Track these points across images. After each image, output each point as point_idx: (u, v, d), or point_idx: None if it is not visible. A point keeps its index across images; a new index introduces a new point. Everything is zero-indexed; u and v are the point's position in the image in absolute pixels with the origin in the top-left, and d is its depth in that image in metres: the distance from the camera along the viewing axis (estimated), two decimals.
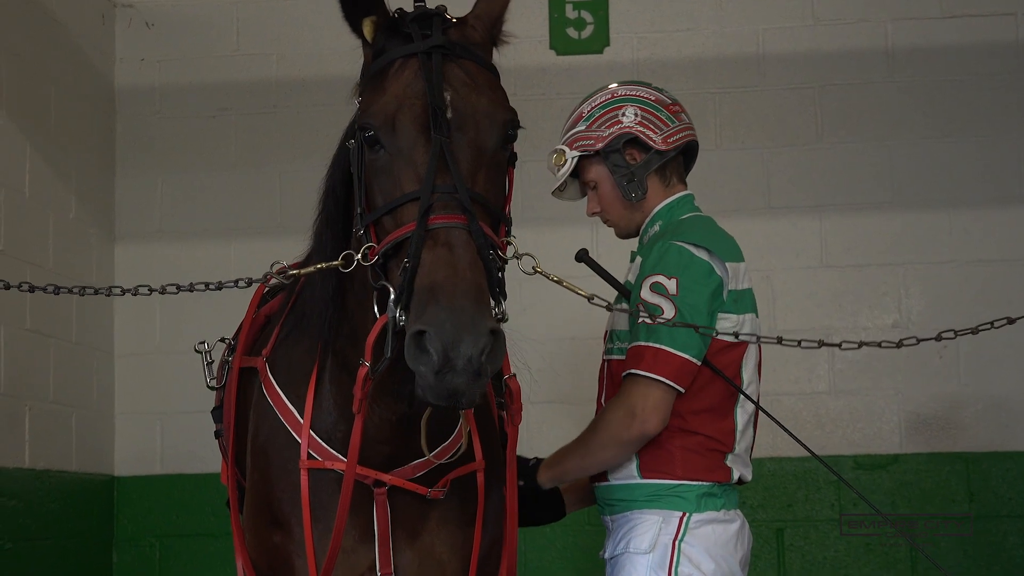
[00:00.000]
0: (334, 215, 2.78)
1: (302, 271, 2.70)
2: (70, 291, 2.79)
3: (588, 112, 3.43)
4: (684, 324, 3.05)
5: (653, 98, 3.41)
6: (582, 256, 3.44)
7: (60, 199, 5.71)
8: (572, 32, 6.19)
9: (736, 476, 3.26)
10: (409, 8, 2.65)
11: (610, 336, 3.40)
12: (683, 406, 3.20)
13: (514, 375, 2.68)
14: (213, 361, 3.46)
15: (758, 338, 3.07)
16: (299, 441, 2.87)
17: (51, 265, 5.54)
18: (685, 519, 3.18)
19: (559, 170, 3.44)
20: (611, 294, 3.40)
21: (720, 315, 3.22)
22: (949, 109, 6.00)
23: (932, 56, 6.03)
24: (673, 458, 3.20)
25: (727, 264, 3.24)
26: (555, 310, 5.51)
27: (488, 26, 2.68)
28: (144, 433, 6.13)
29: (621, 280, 3.41)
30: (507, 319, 2.41)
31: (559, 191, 3.54)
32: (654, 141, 3.36)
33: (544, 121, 5.85)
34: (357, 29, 2.64)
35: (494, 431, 3.10)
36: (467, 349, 2.22)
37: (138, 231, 6.24)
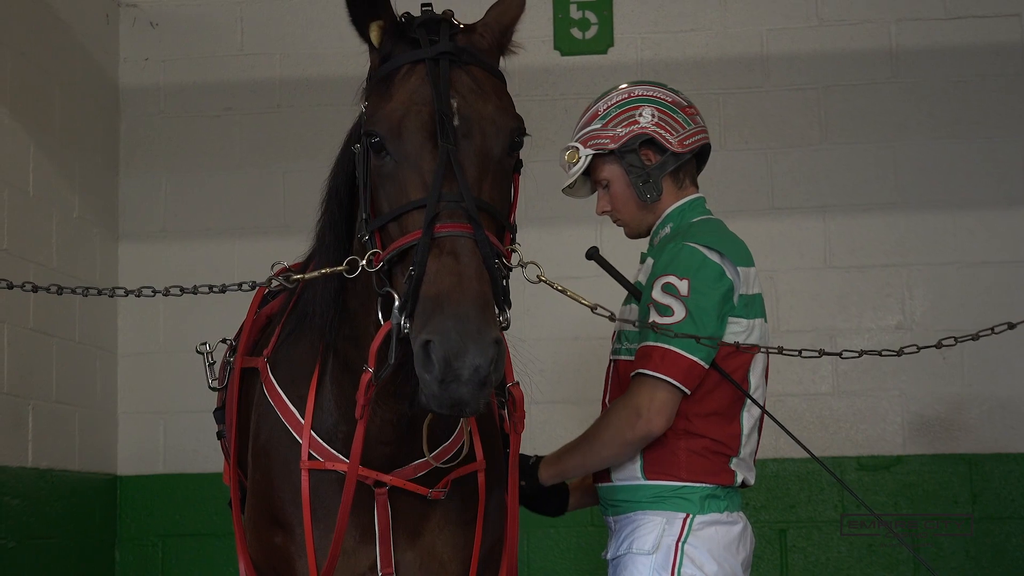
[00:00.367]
0: (337, 218, 2.78)
1: (307, 276, 2.69)
2: (73, 291, 2.79)
3: (604, 111, 3.41)
4: (687, 335, 3.05)
5: (670, 100, 3.40)
6: (593, 254, 3.43)
7: (64, 198, 5.71)
8: (576, 32, 6.19)
9: (740, 480, 3.26)
10: (416, 13, 2.64)
11: (618, 336, 3.40)
12: (690, 409, 3.19)
13: (517, 383, 2.67)
14: (215, 362, 3.46)
15: (760, 348, 3.06)
16: (300, 441, 2.87)
17: (55, 264, 5.54)
18: (689, 520, 3.17)
19: (572, 167, 3.42)
20: (617, 299, 3.40)
21: (731, 319, 3.21)
22: (953, 110, 5.99)
23: (936, 57, 6.03)
24: (678, 460, 3.20)
25: (739, 268, 3.23)
26: (560, 310, 5.50)
27: (497, 34, 2.67)
28: (147, 432, 6.13)
29: (631, 280, 3.41)
30: (509, 327, 2.41)
31: (568, 188, 3.53)
32: (670, 143, 3.35)
33: (548, 121, 5.88)
34: (364, 33, 2.63)
35: (495, 430, 3.10)
36: (473, 359, 2.22)
37: (142, 230, 6.25)
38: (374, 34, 2.61)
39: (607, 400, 3.41)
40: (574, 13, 6.18)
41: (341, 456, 2.83)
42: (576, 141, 3.43)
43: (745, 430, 3.27)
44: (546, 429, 5.56)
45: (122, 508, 6.09)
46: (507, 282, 2.46)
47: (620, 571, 3.23)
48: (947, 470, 5.81)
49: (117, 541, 6.06)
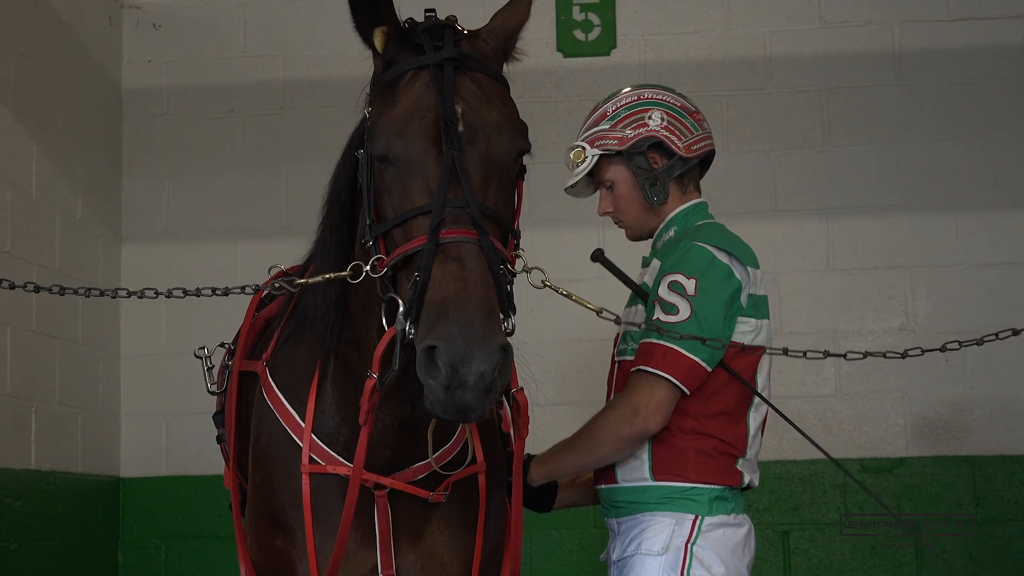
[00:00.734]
0: (338, 222, 2.78)
1: (310, 280, 2.69)
2: (75, 292, 2.79)
3: (613, 112, 3.40)
4: (692, 336, 3.05)
5: (679, 104, 3.41)
6: (598, 256, 3.43)
7: (67, 200, 5.71)
8: (579, 34, 6.19)
9: (746, 481, 3.26)
10: (420, 18, 2.63)
11: (623, 338, 3.39)
12: (698, 409, 3.19)
13: (521, 388, 2.67)
14: (214, 366, 3.46)
15: (765, 349, 3.06)
16: (300, 445, 2.87)
17: (57, 266, 5.54)
18: (698, 522, 3.17)
19: (577, 167, 3.42)
20: (619, 301, 3.39)
21: (740, 319, 3.21)
22: (956, 112, 5.99)
23: (939, 59, 6.02)
24: (686, 461, 3.20)
25: (748, 268, 3.24)
26: (563, 312, 5.49)
27: (502, 40, 2.67)
28: (150, 434, 6.13)
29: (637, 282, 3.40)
30: (514, 332, 2.40)
31: (571, 187, 3.53)
32: (678, 147, 3.36)
33: (550, 123, 5.88)
34: (368, 39, 2.62)
35: (495, 432, 3.09)
36: (478, 365, 2.22)
37: (144, 232, 6.25)
38: (378, 40, 2.60)
39: None
40: (577, 15, 6.18)
41: (342, 460, 2.83)
42: (582, 141, 3.42)
43: (751, 431, 3.27)
44: (549, 431, 5.51)
45: (125, 510, 6.09)
46: (512, 288, 2.46)
47: (627, 572, 3.22)
48: (950, 472, 5.80)
49: (120, 543, 6.06)
